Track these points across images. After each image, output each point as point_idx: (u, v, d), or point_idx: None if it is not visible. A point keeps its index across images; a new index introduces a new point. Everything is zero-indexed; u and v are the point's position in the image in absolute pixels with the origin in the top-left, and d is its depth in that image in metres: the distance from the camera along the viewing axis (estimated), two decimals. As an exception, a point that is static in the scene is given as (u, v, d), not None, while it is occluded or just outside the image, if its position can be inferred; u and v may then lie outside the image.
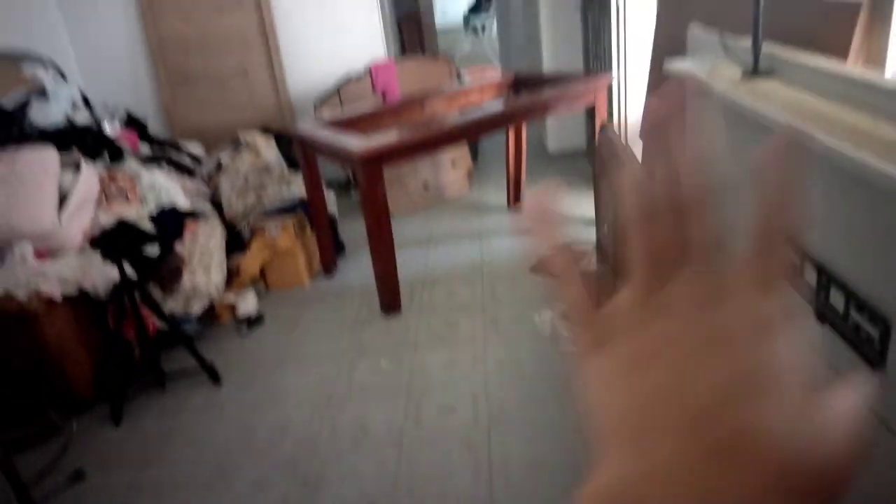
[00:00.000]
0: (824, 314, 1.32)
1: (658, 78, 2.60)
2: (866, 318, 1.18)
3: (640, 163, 0.27)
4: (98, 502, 2.15)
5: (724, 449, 0.22)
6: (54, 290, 2.42)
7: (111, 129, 3.43)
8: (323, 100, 4.27)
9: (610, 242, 2.36)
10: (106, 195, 2.91)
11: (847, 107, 1.30)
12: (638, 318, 0.25)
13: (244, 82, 4.47)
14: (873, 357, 1.15)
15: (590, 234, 3.03)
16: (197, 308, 2.93)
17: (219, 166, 3.64)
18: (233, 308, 3.12)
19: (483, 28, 9.78)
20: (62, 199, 2.69)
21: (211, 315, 3.07)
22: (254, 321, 3.09)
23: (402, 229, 3.85)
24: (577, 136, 4.67)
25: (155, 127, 4.23)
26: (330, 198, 3.65)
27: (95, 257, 2.55)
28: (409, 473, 2.09)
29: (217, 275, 3.05)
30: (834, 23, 1.59)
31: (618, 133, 3.61)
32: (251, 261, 3.25)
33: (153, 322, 2.66)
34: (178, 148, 3.83)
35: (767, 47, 1.63)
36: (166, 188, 3.12)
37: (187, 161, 3.72)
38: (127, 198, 2.95)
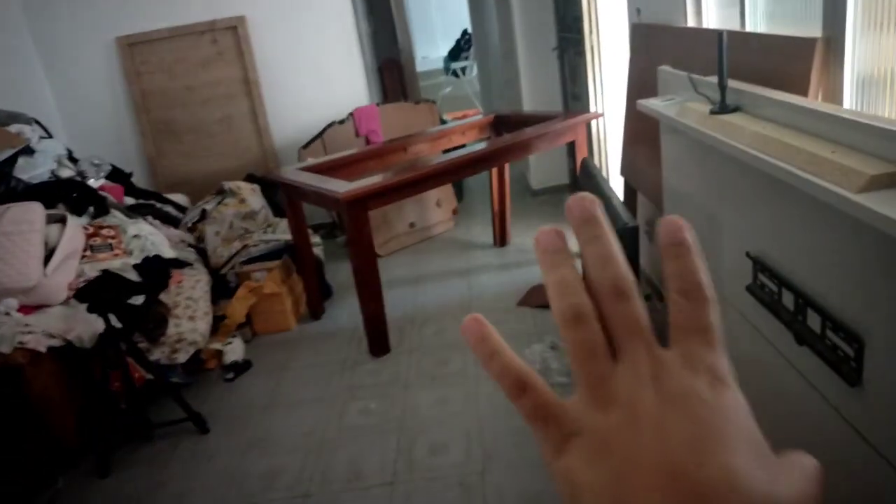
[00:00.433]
0: (803, 336, 1.35)
1: (633, 114, 2.68)
2: (842, 338, 1.21)
3: (563, 266, 0.29)
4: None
5: (704, 494, 0.23)
6: (39, 344, 2.40)
7: (96, 182, 3.46)
8: (307, 146, 4.34)
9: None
10: (91, 247, 2.92)
11: (807, 137, 1.36)
12: (592, 413, 0.26)
13: (229, 132, 4.53)
14: (850, 375, 1.18)
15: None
16: (183, 357, 2.91)
17: (203, 214, 3.66)
18: (220, 355, 3.11)
19: (463, 71, 9.99)
20: (48, 253, 2.70)
21: (197, 362, 3.05)
22: (241, 367, 3.07)
23: (390, 269, 3.87)
24: (560, 172, 4.76)
25: (140, 178, 4.26)
26: (316, 241, 3.67)
27: (81, 309, 2.55)
28: (403, 516, 2.07)
29: (203, 323, 3.04)
30: (792, 57, 1.67)
31: (598, 167, 3.69)
32: (237, 307, 3.25)
33: (139, 372, 2.64)
34: (162, 199, 3.86)
35: (733, 84, 1.70)
36: (151, 238, 3.13)
37: (172, 210, 3.74)
38: (112, 249, 2.96)
